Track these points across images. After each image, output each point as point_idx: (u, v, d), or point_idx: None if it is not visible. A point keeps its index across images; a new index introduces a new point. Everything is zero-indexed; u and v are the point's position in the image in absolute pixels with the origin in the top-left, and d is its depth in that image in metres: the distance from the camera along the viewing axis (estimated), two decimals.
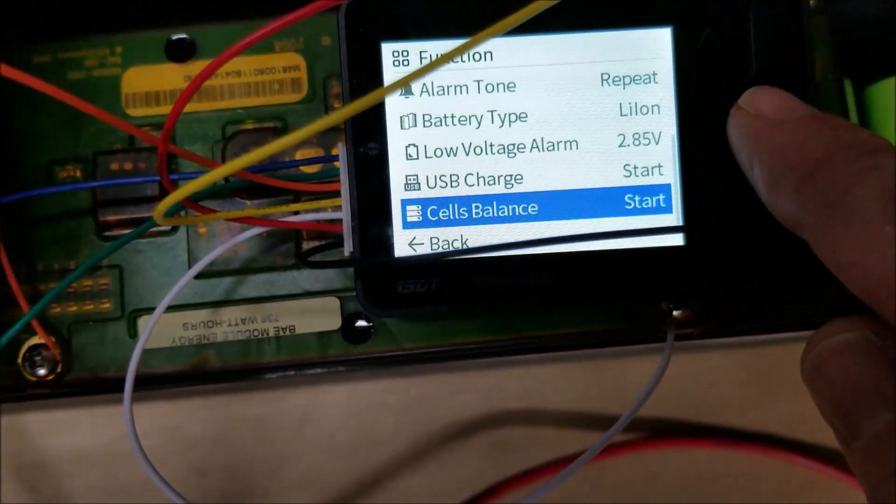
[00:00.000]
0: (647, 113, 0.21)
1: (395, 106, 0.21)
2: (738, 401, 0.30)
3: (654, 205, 0.21)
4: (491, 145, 0.21)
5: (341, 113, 0.15)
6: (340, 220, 0.21)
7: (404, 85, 0.15)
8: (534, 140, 0.21)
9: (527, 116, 0.21)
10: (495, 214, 0.21)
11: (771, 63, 0.21)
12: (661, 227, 0.20)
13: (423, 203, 0.21)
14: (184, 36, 0.24)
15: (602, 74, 0.21)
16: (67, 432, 0.28)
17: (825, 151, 0.16)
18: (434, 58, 0.21)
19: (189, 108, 0.24)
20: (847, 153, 0.16)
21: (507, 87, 0.21)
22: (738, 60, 0.21)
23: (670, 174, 0.21)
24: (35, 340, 0.24)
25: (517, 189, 0.21)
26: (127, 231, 0.24)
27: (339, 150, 0.21)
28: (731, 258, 0.21)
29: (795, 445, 0.30)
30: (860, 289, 0.15)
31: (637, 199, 0.21)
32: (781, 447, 0.30)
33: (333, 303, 0.24)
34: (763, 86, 0.20)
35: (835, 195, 0.15)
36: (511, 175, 0.21)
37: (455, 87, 0.21)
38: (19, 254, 0.24)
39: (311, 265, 0.22)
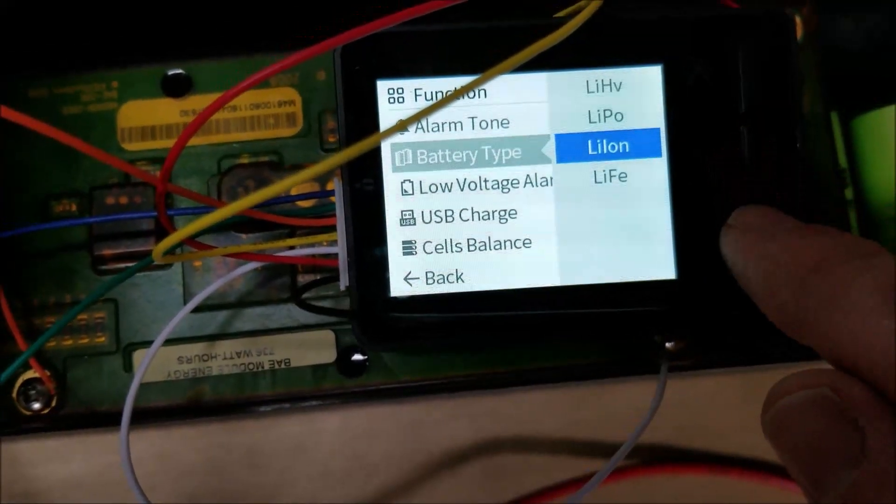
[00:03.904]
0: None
1: (390, 142, 0.21)
2: (730, 426, 0.30)
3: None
4: (485, 181, 0.21)
5: (343, 155, 0.15)
6: (336, 255, 0.21)
7: (403, 127, 0.15)
8: (527, 175, 0.21)
9: (520, 152, 0.21)
10: (490, 249, 0.21)
11: (760, 99, 0.21)
12: (651, 282, 0.21)
13: (419, 238, 0.21)
14: (180, 71, 0.25)
15: (593, 111, 0.21)
16: (61, 461, 0.28)
17: (820, 256, 0.17)
18: (428, 95, 0.21)
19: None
20: (841, 255, 0.16)
21: (501, 124, 0.21)
22: (727, 97, 0.21)
23: (661, 209, 0.21)
24: (30, 374, 0.24)
25: (511, 224, 0.21)
26: (122, 265, 0.24)
27: (335, 185, 0.21)
28: (722, 293, 0.21)
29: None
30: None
31: None
32: (775, 473, 0.30)
33: (328, 336, 0.24)
34: (750, 205, 0.20)
35: (833, 294, 0.16)
36: (505, 210, 0.21)
37: (450, 123, 0.21)
38: (15, 288, 0.24)
39: (305, 307, 0.22)
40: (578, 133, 0.21)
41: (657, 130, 0.21)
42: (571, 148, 0.21)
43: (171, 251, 0.21)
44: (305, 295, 0.24)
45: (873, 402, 0.15)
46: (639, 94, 0.21)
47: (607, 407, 0.29)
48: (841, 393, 0.15)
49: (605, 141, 0.21)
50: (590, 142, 0.21)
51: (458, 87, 0.16)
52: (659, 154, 0.21)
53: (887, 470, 0.14)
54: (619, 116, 0.21)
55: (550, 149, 0.21)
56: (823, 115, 0.24)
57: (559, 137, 0.21)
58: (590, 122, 0.21)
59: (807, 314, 0.16)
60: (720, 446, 0.30)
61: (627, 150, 0.21)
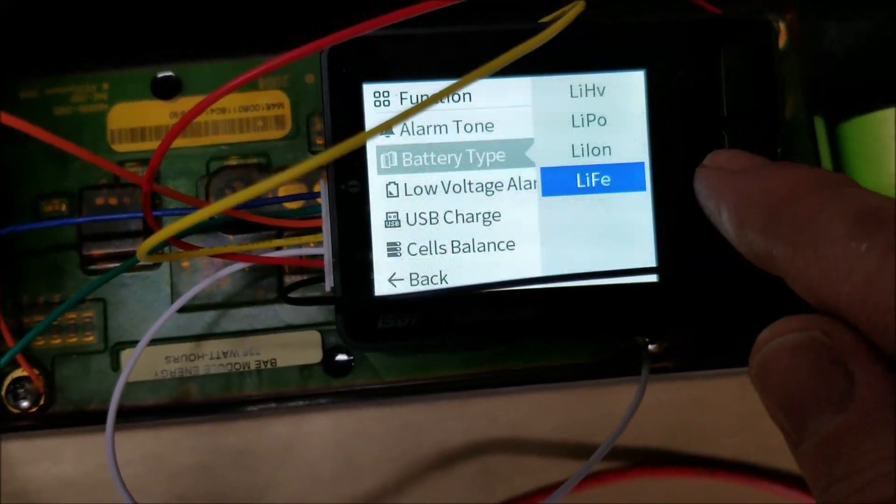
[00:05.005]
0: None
1: (375, 144, 0.21)
2: (718, 429, 0.30)
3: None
4: (469, 183, 0.21)
5: (327, 154, 0.15)
6: (322, 256, 0.21)
7: (388, 128, 0.16)
8: (511, 178, 0.21)
9: (504, 156, 0.21)
10: (474, 251, 0.21)
11: (742, 103, 0.21)
12: (635, 269, 0.21)
13: (403, 240, 0.21)
14: (170, 73, 0.25)
15: (577, 116, 0.21)
16: (51, 461, 0.28)
17: (789, 187, 0.17)
18: (414, 98, 0.21)
19: (173, 144, 0.24)
20: (810, 186, 0.16)
21: (486, 127, 0.21)
22: (710, 101, 0.21)
23: (644, 211, 0.21)
24: (18, 373, 0.24)
25: (495, 226, 0.21)
26: (111, 265, 0.24)
27: (321, 187, 0.21)
28: (703, 295, 0.21)
29: (777, 474, 0.30)
30: (832, 309, 0.15)
31: None
32: (763, 475, 0.30)
33: (314, 336, 0.24)
34: (724, 148, 0.21)
35: (802, 223, 0.16)
36: (489, 212, 0.21)
37: (435, 126, 0.21)
38: (4, 287, 0.24)
39: (291, 301, 0.22)
40: (562, 136, 0.21)
41: (640, 135, 0.21)
42: (554, 146, 0.21)
43: (156, 250, 0.22)
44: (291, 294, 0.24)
45: (865, 347, 0.15)
46: (622, 98, 0.21)
47: (599, 408, 0.29)
48: (833, 337, 0.15)
49: (588, 144, 0.21)
50: (573, 145, 0.21)
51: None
52: (641, 158, 0.21)
53: (872, 417, 0.14)
54: (602, 121, 0.21)
55: (534, 152, 0.21)
56: (807, 120, 0.25)
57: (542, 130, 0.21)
58: (573, 126, 0.21)
59: (775, 246, 0.16)
60: (709, 449, 0.30)
61: (611, 153, 0.21)
